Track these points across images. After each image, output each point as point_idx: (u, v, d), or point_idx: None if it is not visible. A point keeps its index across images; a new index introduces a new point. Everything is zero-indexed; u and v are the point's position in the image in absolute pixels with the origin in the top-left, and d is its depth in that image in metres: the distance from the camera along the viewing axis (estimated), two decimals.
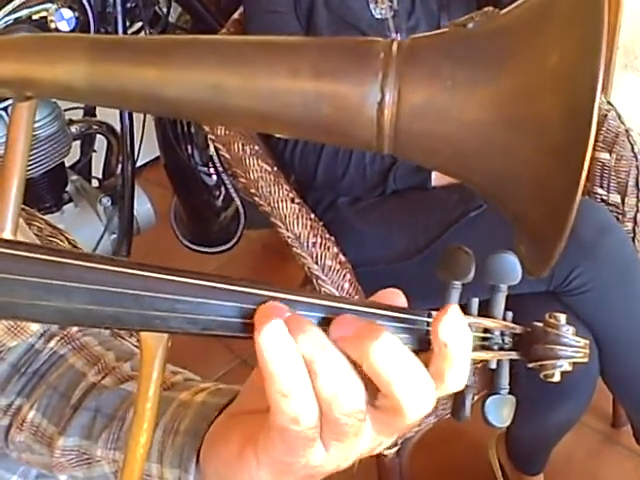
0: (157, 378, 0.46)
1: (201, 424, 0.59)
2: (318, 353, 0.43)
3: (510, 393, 0.48)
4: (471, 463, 1.94)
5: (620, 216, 1.69)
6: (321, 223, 1.53)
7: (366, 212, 1.66)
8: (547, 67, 0.37)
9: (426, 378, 0.44)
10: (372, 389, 0.44)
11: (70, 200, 1.95)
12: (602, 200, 1.70)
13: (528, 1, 0.41)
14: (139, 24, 1.97)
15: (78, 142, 2.12)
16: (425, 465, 1.84)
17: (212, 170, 2.32)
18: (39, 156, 1.72)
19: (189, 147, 2.28)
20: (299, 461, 0.47)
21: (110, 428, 0.65)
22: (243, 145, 1.55)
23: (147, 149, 2.11)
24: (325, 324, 0.44)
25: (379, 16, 1.63)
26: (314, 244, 1.47)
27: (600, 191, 1.71)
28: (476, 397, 0.47)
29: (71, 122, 1.98)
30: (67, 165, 1.96)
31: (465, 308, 0.46)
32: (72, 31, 1.66)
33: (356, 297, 1.44)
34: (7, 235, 0.50)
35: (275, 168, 1.56)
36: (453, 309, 0.43)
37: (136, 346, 0.79)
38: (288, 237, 1.48)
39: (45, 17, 1.64)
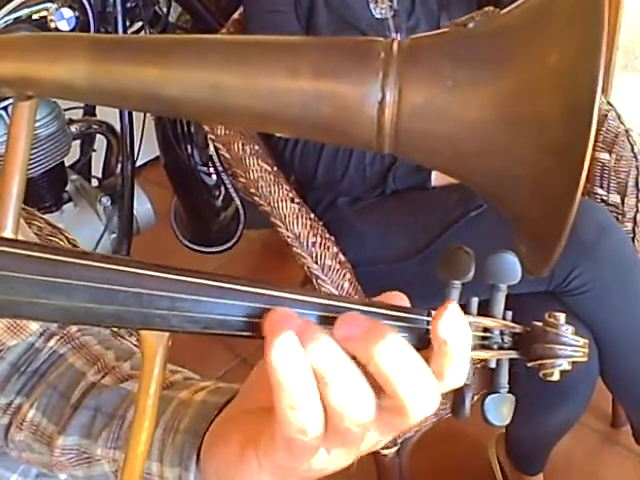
0: (158, 376, 0.46)
1: (201, 423, 0.59)
2: (331, 364, 0.42)
3: (510, 392, 0.48)
4: (471, 463, 1.94)
5: (620, 216, 1.69)
6: (321, 223, 1.53)
7: (366, 212, 1.66)
8: (547, 67, 0.37)
9: (431, 379, 0.43)
10: (376, 390, 0.44)
11: (70, 199, 1.95)
12: (602, 200, 1.70)
13: (528, 1, 0.41)
14: (139, 24, 1.97)
15: (78, 141, 2.12)
16: (425, 465, 1.84)
17: (212, 170, 2.32)
18: (39, 155, 1.72)
19: (189, 147, 2.28)
20: (302, 466, 0.47)
21: (110, 427, 0.65)
22: (243, 145, 1.55)
23: (147, 149, 2.11)
24: (326, 323, 0.44)
25: (379, 16, 1.63)
26: (314, 244, 1.47)
27: (600, 191, 1.71)
28: (476, 397, 0.47)
29: (71, 121, 1.97)
30: (67, 164, 1.96)
31: (465, 307, 0.46)
32: (72, 30, 1.66)
33: (355, 297, 1.44)
34: (8, 234, 0.50)
35: (275, 168, 1.56)
36: (452, 306, 0.43)
37: (136, 345, 0.79)
38: (288, 237, 1.48)
39: (45, 16, 1.64)
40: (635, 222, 1.69)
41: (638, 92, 2.29)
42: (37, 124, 1.67)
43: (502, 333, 0.47)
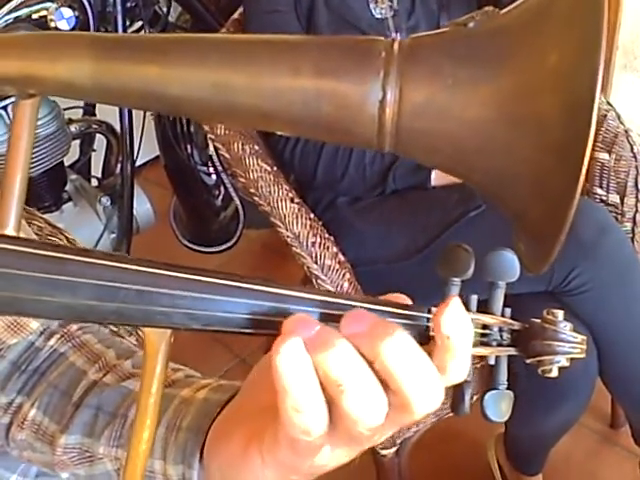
0: (160, 373, 0.46)
1: (203, 420, 0.59)
2: (348, 371, 0.42)
3: (508, 389, 0.48)
4: (470, 463, 1.94)
5: (619, 216, 1.69)
6: (320, 222, 1.53)
7: (366, 212, 1.66)
8: (547, 66, 0.38)
9: (436, 375, 0.44)
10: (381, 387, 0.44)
11: (69, 199, 1.95)
12: (601, 200, 1.71)
13: (528, 1, 0.41)
14: (139, 23, 1.97)
15: (77, 141, 2.12)
16: (424, 465, 1.84)
17: (212, 170, 2.32)
18: (38, 155, 1.71)
19: (189, 147, 2.28)
20: (305, 463, 0.47)
21: (112, 425, 0.65)
22: (243, 145, 1.55)
23: (147, 148, 2.11)
24: (328, 320, 0.44)
25: (379, 16, 1.63)
26: (313, 244, 1.47)
27: (599, 191, 1.71)
28: (475, 397, 0.47)
29: (70, 121, 1.97)
30: (66, 164, 1.96)
31: (464, 304, 0.46)
32: (72, 30, 1.66)
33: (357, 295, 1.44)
34: (10, 231, 0.51)
35: (275, 168, 1.56)
36: (454, 301, 0.43)
37: (135, 345, 0.79)
38: (287, 237, 1.49)
39: (45, 16, 1.64)
40: (634, 222, 1.69)
41: (638, 92, 2.29)
42: (36, 123, 1.67)
43: (501, 330, 0.48)
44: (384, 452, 1.61)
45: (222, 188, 2.34)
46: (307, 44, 0.44)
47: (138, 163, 2.03)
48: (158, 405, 0.48)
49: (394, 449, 1.61)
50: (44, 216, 1.09)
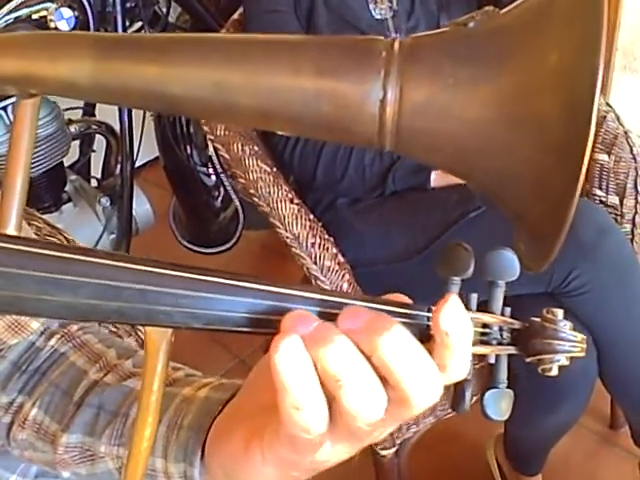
0: (161, 372, 0.46)
1: (205, 419, 0.59)
2: (347, 366, 0.42)
3: (508, 388, 0.48)
4: (469, 464, 1.94)
5: (619, 218, 1.69)
6: (320, 223, 1.53)
7: (365, 213, 1.66)
8: (547, 66, 0.38)
9: (434, 369, 0.44)
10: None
11: (69, 200, 1.95)
12: (601, 202, 1.71)
13: (528, 1, 0.41)
14: (139, 24, 1.97)
15: (77, 142, 2.12)
16: (423, 466, 1.84)
17: (211, 170, 2.32)
18: (38, 156, 1.71)
19: (188, 147, 2.28)
20: (306, 460, 0.47)
21: (113, 424, 0.66)
22: (242, 145, 1.55)
23: (146, 149, 2.11)
24: (328, 318, 0.44)
25: (379, 16, 1.63)
26: (313, 244, 1.47)
27: (599, 193, 1.71)
28: (475, 398, 0.47)
29: (70, 122, 1.97)
30: (66, 165, 1.96)
31: (464, 303, 0.46)
32: (72, 30, 1.66)
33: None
34: (11, 230, 0.51)
35: (274, 169, 1.56)
36: (453, 299, 0.43)
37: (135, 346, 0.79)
38: (287, 237, 1.49)
39: (45, 16, 1.64)
40: (634, 223, 1.69)
41: (637, 93, 2.29)
42: None
43: (501, 329, 0.48)
44: (383, 452, 1.61)
45: (222, 189, 2.34)
46: (307, 44, 0.45)
47: (138, 164, 2.03)
48: (159, 403, 0.48)
49: (393, 449, 1.61)
50: (43, 216, 1.09)
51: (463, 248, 0.47)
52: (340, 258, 1.50)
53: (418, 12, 1.64)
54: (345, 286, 1.46)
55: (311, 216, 1.53)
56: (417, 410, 0.44)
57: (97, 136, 2.16)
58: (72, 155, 2.01)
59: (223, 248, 2.40)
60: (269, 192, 1.51)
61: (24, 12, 1.63)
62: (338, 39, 0.45)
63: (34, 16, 1.64)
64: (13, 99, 1.59)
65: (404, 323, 0.45)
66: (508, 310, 0.48)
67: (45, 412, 0.69)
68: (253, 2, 1.64)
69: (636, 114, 2.15)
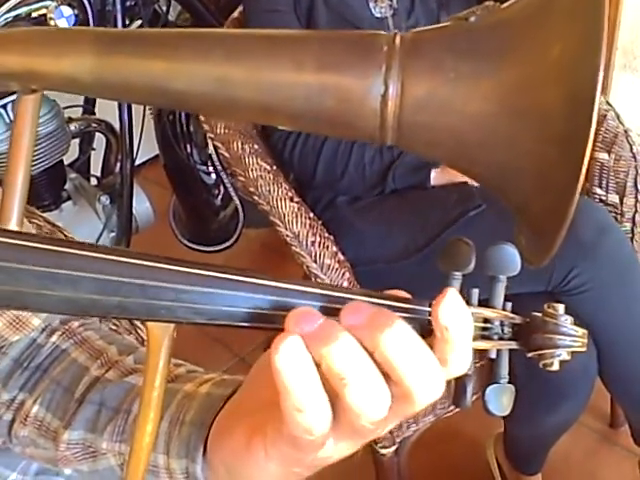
0: (163, 367, 0.46)
1: (207, 415, 0.59)
2: (351, 364, 0.42)
3: (510, 383, 0.48)
4: (469, 463, 1.94)
5: (619, 216, 1.69)
6: (320, 222, 1.53)
7: (365, 211, 1.66)
8: (549, 59, 0.38)
9: (437, 365, 0.44)
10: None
11: (69, 198, 1.95)
12: (601, 200, 1.71)
13: None
14: (138, 22, 1.97)
15: (77, 140, 2.12)
16: (423, 464, 1.84)
17: (211, 169, 2.32)
18: (38, 154, 1.71)
19: (188, 146, 2.28)
20: (308, 457, 0.47)
21: (115, 421, 0.65)
22: (242, 144, 1.55)
23: (146, 147, 2.11)
24: (330, 314, 0.44)
25: (379, 15, 1.63)
26: (313, 243, 1.47)
27: (599, 191, 1.71)
28: (475, 396, 0.47)
29: (70, 120, 1.97)
30: (66, 163, 1.96)
31: (465, 299, 0.46)
32: None
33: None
34: (13, 226, 0.51)
35: (274, 167, 1.56)
36: (452, 293, 0.43)
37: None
38: (287, 236, 1.49)
39: (44, 14, 1.64)
40: (634, 222, 1.69)
41: (637, 92, 2.29)
42: None
43: (502, 324, 0.48)
44: (383, 451, 1.61)
45: (221, 187, 2.34)
46: (309, 39, 0.45)
47: (137, 162, 2.03)
48: (161, 399, 0.48)
49: (393, 448, 1.61)
50: (43, 215, 1.09)
51: (464, 243, 0.47)
52: (340, 256, 1.50)
53: (418, 10, 1.65)
54: (345, 284, 1.46)
55: (311, 214, 1.53)
56: (420, 406, 0.44)
57: (97, 134, 2.16)
58: (72, 153, 2.01)
59: (223, 246, 2.40)
60: (269, 190, 1.51)
61: (24, 10, 1.64)
62: (340, 34, 0.45)
63: (34, 14, 1.64)
64: (13, 97, 1.59)
65: (405, 318, 0.45)
66: (509, 305, 0.48)
67: (47, 409, 0.69)
68: (253, 1, 1.64)
69: (636, 113, 2.15)
